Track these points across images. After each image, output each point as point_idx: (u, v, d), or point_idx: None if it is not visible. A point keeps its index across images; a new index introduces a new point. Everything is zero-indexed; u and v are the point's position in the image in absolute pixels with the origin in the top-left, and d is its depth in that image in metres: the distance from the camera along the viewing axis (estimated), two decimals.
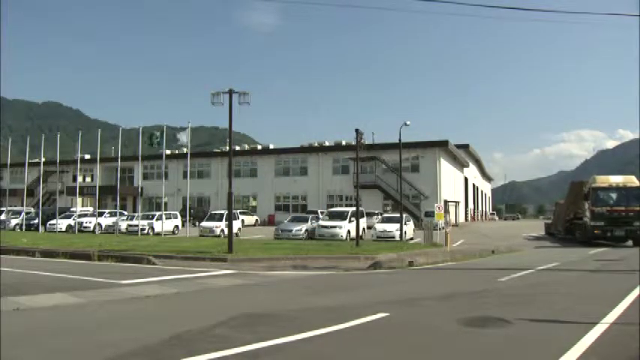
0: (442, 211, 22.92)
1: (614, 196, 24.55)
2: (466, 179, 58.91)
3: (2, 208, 39.68)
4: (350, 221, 25.64)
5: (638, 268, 12.90)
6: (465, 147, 55.73)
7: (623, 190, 24.54)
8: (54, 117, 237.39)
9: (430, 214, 29.30)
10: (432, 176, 42.36)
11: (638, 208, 23.78)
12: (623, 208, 24.01)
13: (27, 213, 36.66)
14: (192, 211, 39.86)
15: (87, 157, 52.70)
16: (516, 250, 22.43)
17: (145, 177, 48.80)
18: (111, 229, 31.98)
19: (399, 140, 26.56)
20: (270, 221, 44.50)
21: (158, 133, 29.65)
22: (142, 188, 47.60)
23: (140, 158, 35.74)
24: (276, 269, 14.16)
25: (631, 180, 25.33)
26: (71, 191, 41.36)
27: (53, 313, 7.78)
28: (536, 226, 47.49)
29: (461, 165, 53.71)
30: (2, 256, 16.71)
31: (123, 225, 31.70)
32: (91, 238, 25.87)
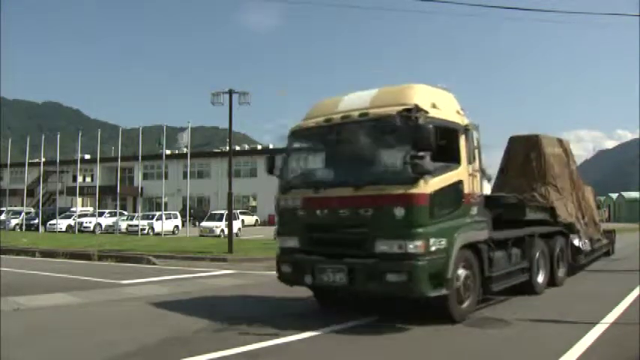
0: None
1: (325, 154, 8.01)
2: None
3: (2, 208, 39.65)
4: None
5: (638, 268, 12.87)
6: None
7: (355, 135, 6.60)
8: (54, 117, 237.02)
9: None
10: None
11: (398, 192, 6.00)
12: (346, 194, 6.38)
13: (27, 213, 36.69)
14: (192, 211, 39.86)
15: (87, 157, 52.63)
16: None
17: (145, 177, 48.77)
18: (111, 229, 32.01)
19: None
20: (270, 221, 44.44)
21: (163, 141, 30.19)
22: (142, 188, 47.57)
23: (140, 158, 35.75)
24: None
25: (396, 98, 6.57)
26: (71, 191, 41.32)
27: (53, 313, 7.78)
28: None
29: None
30: (2, 256, 16.67)
31: (123, 225, 31.72)
32: (91, 238, 25.89)
